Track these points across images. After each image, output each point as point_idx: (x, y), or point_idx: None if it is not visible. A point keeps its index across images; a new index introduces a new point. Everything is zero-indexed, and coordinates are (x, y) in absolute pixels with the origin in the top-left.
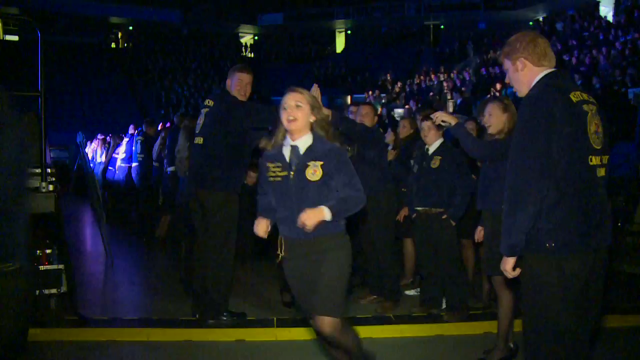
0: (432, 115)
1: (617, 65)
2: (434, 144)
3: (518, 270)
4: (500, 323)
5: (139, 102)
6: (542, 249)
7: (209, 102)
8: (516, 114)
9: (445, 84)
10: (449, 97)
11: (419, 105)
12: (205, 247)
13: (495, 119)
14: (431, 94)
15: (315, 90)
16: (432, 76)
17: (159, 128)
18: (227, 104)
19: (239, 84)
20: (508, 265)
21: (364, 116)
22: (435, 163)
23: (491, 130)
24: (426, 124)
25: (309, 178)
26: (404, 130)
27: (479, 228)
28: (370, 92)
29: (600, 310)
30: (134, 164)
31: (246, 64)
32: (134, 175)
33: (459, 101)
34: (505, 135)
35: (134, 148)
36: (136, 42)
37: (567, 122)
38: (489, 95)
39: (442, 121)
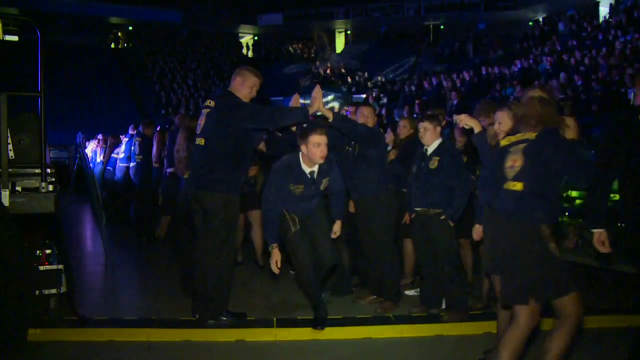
0: (455, 117)
1: (617, 66)
2: (432, 145)
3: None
4: (500, 323)
5: (139, 102)
6: None
7: (210, 103)
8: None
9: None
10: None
11: (422, 104)
12: (206, 247)
13: (504, 126)
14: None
15: (318, 91)
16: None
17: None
18: (229, 105)
19: (249, 86)
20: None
21: (364, 117)
22: (434, 164)
23: (500, 136)
24: (422, 125)
25: None
26: (404, 130)
27: (476, 226)
28: (370, 93)
29: None
30: (132, 164)
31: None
32: (132, 175)
33: (455, 102)
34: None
35: (132, 148)
36: (136, 42)
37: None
38: (489, 96)
39: (466, 124)
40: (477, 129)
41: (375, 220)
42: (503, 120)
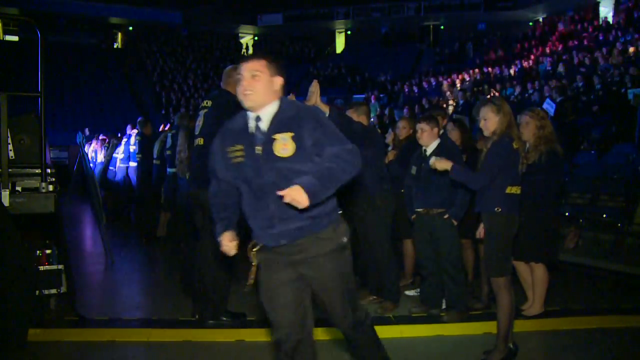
0: (430, 162)
1: (617, 66)
2: (431, 145)
3: None
4: (500, 324)
5: (139, 102)
6: None
7: (207, 103)
8: (510, 114)
9: (445, 84)
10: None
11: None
12: (205, 247)
13: (489, 122)
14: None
15: (315, 85)
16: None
17: (160, 129)
18: (225, 103)
19: (237, 83)
20: None
21: (360, 116)
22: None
23: (485, 133)
24: (419, 126)
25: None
26: (403, 130)
27: (481, 226)
28: (370, 93)
29: None
30: (132, 164)
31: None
32: (131, 175)
33: (461, 102)
34: (497, 137)
35: (131, 148)
36: (136, 43)
37: None
38: (488, 96)
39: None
40: (449, 168)
41: (371, 222)
42: (488, 116)
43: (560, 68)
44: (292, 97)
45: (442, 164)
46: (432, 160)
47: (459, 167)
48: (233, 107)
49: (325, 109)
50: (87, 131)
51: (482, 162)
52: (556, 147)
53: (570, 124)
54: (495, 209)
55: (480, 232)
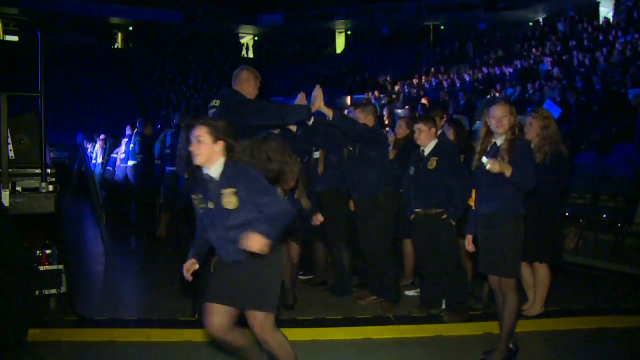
0: (488, 165)
1: (617, 66)
2: (429, 145)
3: None
4: (504, 325)
5: (139, 102)
6: None
7: (216, 102)
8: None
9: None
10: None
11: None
12: None
13: (507, 119)
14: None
15: (318, 89)
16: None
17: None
18: (235, 102)
19: (253, 84)
20: None
21: (367, 116)
22: (432, 164)
23: (500, 130)
24: (417, 126)
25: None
26: (400, 130)
27: (468, 237)
28: (370, 93)
29: None
30: (130, 163)
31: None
32: (130, 175)
33: (462, 102)
34: (516, 135)
35: (131, 147)
36: (136, 43)
37: None
38: (489, 96)
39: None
40: (508, 174)
41: (373, 220)
42: (509, 114)
43: (556, 72)
44: (302, 96)
45: (499, 167)
46: (489, 165)
47: (517, 171)
48: (243, 107)
49: (329, 112)
50: (80, 135)
51: (515, 162)
52: (561, 148)
53: (580, 125)
54: (521, 210)
55: (469, 244)
